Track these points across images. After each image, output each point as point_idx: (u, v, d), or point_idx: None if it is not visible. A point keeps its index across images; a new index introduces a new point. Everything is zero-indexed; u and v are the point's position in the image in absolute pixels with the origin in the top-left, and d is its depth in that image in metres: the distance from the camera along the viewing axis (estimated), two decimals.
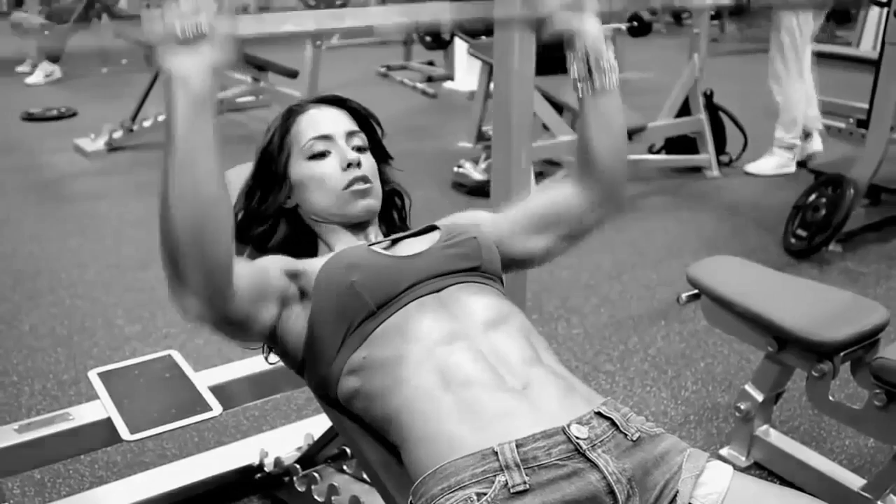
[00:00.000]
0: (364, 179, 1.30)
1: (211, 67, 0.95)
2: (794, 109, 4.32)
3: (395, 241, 1.29)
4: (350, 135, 1.34)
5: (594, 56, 1.17)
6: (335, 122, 1.34)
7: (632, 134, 4.08)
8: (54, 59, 6.87)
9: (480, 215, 1.38)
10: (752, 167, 4.48)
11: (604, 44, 1.17)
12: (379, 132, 1.43)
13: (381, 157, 1.43)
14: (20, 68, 7.21)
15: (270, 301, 1.15)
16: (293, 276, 1.20)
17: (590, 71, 1.18)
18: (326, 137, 1.31)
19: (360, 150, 1.34)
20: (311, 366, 1.21)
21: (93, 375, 1.73)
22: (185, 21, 0.93)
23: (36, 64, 7.04)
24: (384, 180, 1.41)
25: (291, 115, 1.35)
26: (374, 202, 1.32)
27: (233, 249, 1.03)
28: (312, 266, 1.20)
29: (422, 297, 1.15)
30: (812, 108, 4.51)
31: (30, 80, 6.94)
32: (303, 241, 1.35)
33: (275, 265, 1.19)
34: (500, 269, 1.29)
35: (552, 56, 4.37)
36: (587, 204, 1.28)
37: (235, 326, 1.11)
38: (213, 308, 1.04)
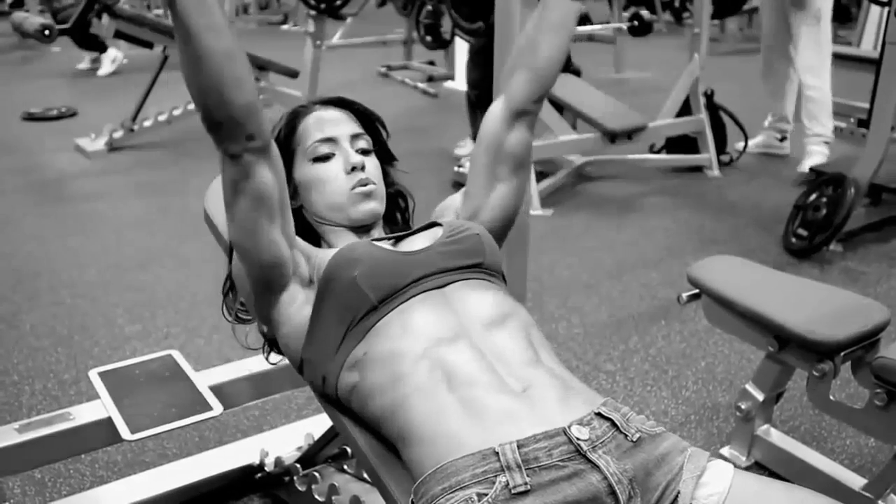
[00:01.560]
0: (367, 183, 1.31)
1: None
2: (829, 99, 4.22)
3: (398, 239, 1.30)
4: (354, 137, 1.34)
5: None
6: (340, 124, 1.34)
7: (632, 133, 4.08)
8: (102, 48, 6.91)
9: (454, 198, 1.41)
10: (804, 167, 4.25)
11: None
12: (384, 134, 1.43)
13: (386, 158, 1.43)
14: (80, 66, 7.23)
15: (285, 227, 1.19)
16: (307, 256, 1.22)
17: None
18: (331, 140, 1.32)
19: (364, 152, 1.34)
20: (312, 362, 1.21)
21: (93, 375, 1.72)
22: None
23: (95, 59, 7.11)
24: (388, 182, 1.42)
25: (296, 116, 1.36)
26: (377, 206, 1.33)
27: (255, 93, 1.09)
28: (323, 257, 1.21)
29: (424, 292, 1.16)
30: (791, 106, 4.53)
31: (101, 72, 7.06)
32: (307, 241, 1.35)
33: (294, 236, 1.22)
34: (502, 266, 1.29)
35: None
36: (518, 95, 1.31)
37: (257, 189, 1.13)
38: (246, 132, 1.09)
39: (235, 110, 1.07)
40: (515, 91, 1.32)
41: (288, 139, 1.34)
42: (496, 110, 1.34)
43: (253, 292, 1.24)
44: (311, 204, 1.33)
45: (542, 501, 0.94)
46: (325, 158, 1.31)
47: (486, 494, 0.95)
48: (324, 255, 1.21)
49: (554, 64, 1.32)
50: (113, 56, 7.04)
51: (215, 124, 1.08)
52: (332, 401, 1.21)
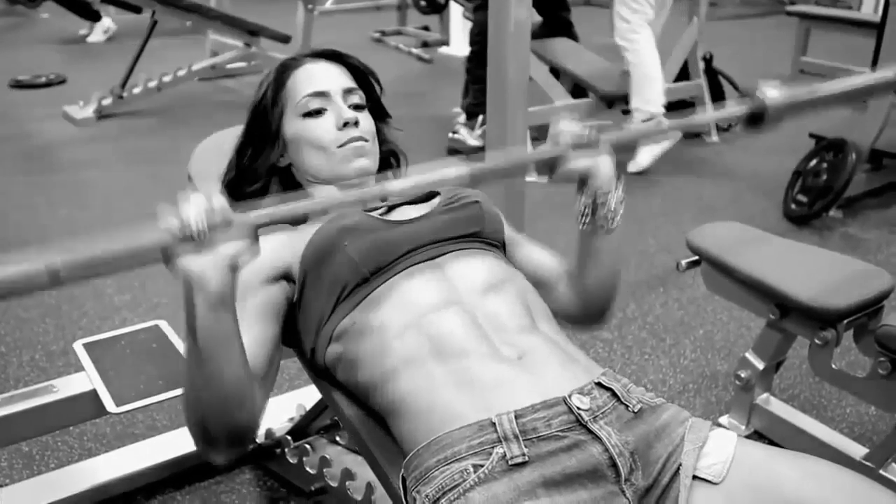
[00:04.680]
0: (361, 139, 1.25)
1: (228, 264, 0.88)
2: (651, 68, 3.76)
3: (392, 207, 1.25)
4: (347, 92, 1.28)
5: (602, 196, 1.11)
6: (332, 78, 1.28)
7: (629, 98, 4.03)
8: (95, 16, 6.82)
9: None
10: (633, 167, 3.87)
11: (614, 185, 1.11)
12: (377, 89, 1.37)
13: (380, 115, 1.38)
14: (81, 31, 7.14)
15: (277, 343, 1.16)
16: (277, 277, 1.15)
17: (594, 209, 1.13)
18: (322, 94, 1.26)
19: (357, 108, 1.29)
20: (302, 333, 1.18)
21: (78, 346, 1.69)
22: (199, 218, 0.85)
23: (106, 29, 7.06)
24: (382, 140, 1.37)
25: (286, 69, 1.29)
26: (370, 163, 1.27)
27: (258, 414, 1.03)
28: (299, 240, 1.15)
29: (417, 263, 1.11)
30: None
31: (91, 39, 6.97)
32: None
33: (261, 296, 1.13)
34: (502, 234, 1.25)
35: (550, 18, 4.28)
36: (567, 309, 1.25)
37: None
38: (243, 448, 1.05)
39: (235, 430, 0.99)
40: (559, 301, 1.25)
41: (277, 93, 1.28)
42: (550, 280, 1.27)
43: None
44: (301, 162, 1.28)
45: (541, 473, 0.91)
46: (317, 114, 1.26)
47: (482, 466, 0.91)
48: (306, 232, 1.16)
49: (601, 304, 1.24)
50: (106, 26, 6.94)
51: (210, 439, 1.00)
52: (321, 372, 1.18)
